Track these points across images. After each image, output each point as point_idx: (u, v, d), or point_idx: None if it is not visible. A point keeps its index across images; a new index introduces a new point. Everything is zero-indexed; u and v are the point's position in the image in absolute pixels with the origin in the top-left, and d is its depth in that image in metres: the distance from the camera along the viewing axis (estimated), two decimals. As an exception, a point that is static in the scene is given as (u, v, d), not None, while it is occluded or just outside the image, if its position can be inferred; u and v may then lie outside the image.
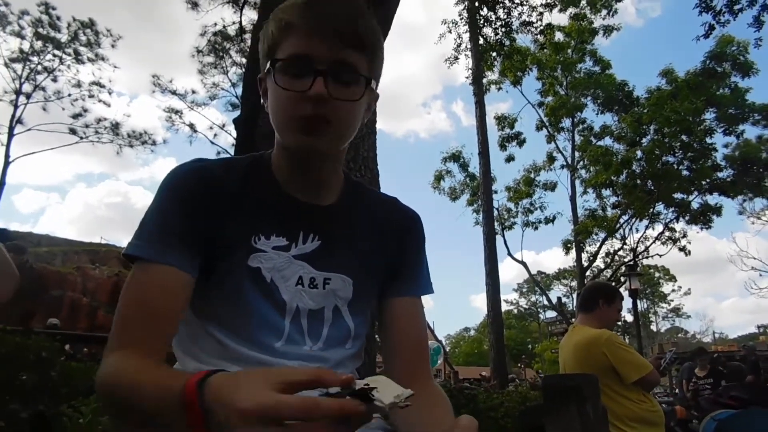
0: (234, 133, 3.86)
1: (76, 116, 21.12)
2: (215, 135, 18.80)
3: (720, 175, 20.32)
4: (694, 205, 20.62)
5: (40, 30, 20.59)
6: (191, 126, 18.99)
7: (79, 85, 21.34)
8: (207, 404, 0.61)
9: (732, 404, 5.60)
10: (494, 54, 13.83)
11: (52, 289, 18.11)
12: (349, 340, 1.01)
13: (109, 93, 22.18)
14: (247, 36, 9.00)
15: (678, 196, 20.49)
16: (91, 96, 21.45)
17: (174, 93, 19.29)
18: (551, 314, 47.78)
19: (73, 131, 21.10)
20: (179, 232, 0.89)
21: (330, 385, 0.60)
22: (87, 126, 21.16)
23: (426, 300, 1.13)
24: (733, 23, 8.31)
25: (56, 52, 21.04)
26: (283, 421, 0.56)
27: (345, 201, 1.04)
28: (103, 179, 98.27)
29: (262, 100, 0.99)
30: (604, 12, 21.35)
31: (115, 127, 20.96)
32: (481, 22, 11.29)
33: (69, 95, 21.19)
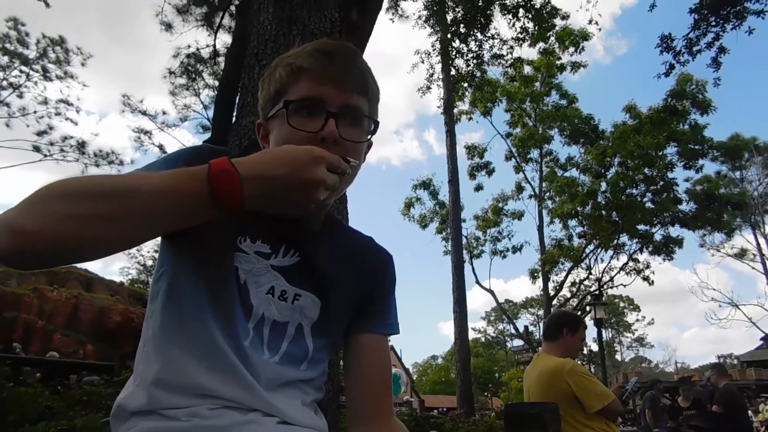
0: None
1: (41, 133, 20.66)
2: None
3: (682, 208, 20.98)
4: (657, 236, 21.18)
5: (8, 45, 20.22)
6: (160, 147, 18.79)
7: (45, 102, 20.94)
8: (243, 172, 0.74)
9: (691, 433, 5.72)
10: (465, 85, 14.09)
11: (5, 311, 17.42)
12: (305, 361, 1.00)
13: (77, 111, 21.82)
14: (221, 59, 9.01)
15: (641, 227, 21.02)
16: (57, 114, 21.05)
17: (144, 113, 19.12)
18: (518, 343, 47.93)
19: (36, 149, 20.60)
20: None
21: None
22: (52, 144, 20.69)
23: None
24: (692, 63, 8.68)
25: (23, 68, 20.65)
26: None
27: (326, 230, 1.07)
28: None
29: (262, 146, 1.02)
30: (572, 49, 22.08)
31: (81, 145, 20.55)
32: (453, 53, 11.51)
33: (35, 112, 20.75)
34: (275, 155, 0.78)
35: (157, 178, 0.75)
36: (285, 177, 0.75)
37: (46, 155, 20.77)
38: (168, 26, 10.15)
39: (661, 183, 19.84)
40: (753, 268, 30.13)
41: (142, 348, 0.95)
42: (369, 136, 1.00)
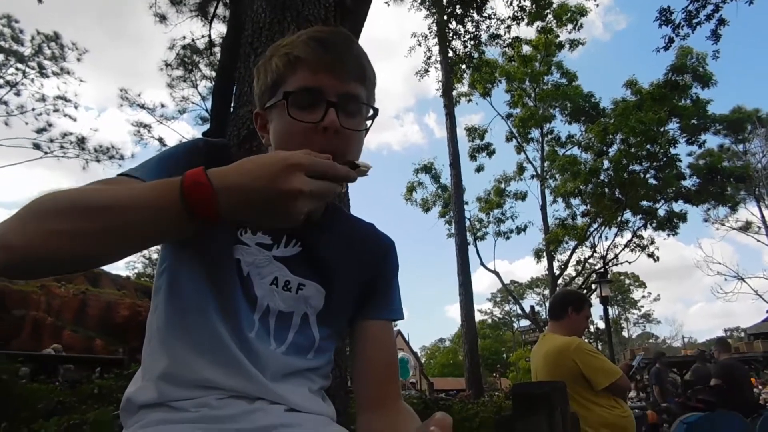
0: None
1: (40, 131, 20.62)
2: (185, 149, 18.52)
3: (685, 183, 20.91)
4: (661, 212, 21.14)
5: (2, 43, 20.13)
6: (160, 140, 18.75)
7: (43, 99, 20.88)
8: (216, 183, 0.69)
9: (700, 407, 5.73)
10: (463, 66, 14.01)
11: (13, 309, 17.54)
12: (311, 350, 1.01)
13: (75, 107, 21.74)
14: (217, 50, 8.95)
15: (645, 203, 20.98)
16: (56, 110, 20.99)
17: (142, 107, 19.06)
18: (525, 323, 48.16)
19: (36, 146, 20.59)
20: (176, 170, 0.88)
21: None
22: (51, 141, 20.68)
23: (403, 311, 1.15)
24: (691, 36, 8.59)
25: (19, 65, 20.56)
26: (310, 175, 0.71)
27: (328, 219, 1.07)
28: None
29: (261, 138, 1.02)
30: (570, 26, 21.89)
31: (81, 141, 20.53)
32: (450, 35, 11.42)
33: (33, 109, 20.70)
34: (251, 164, 0.72)
35: (136, 191, 0.73)
36: (259, 188, 0.70)
37: (46, 152, 20.77)
38: (162, 18, 10.09)
39: (664, 159, 19.75)
40: (758, 240, 30.10)
41: (149, 342, 0.96)
42: (369, 123, 0.99)
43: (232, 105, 3.13)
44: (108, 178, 0.87)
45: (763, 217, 29.53)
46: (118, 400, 0.96)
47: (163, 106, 18.93)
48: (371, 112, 0.99)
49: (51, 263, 0.72)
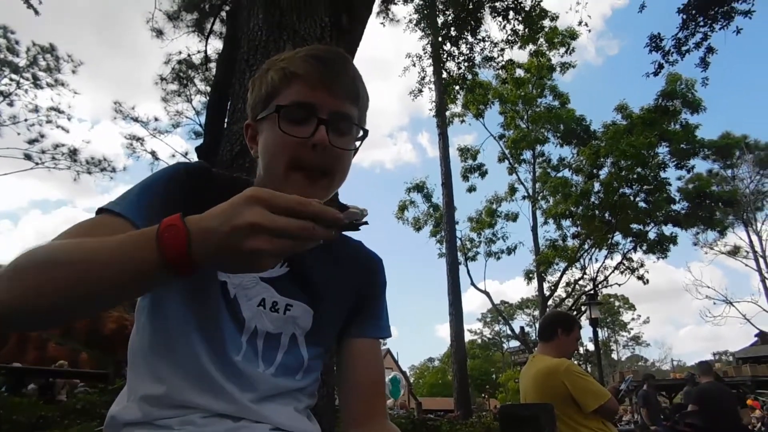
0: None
1: (32, 141, 20.53)
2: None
3: (674, 207, 21.07)
4: (651, 235, 21.25)
5: (-3, 54, 20.09)
6: (153, 153, 18.70)
7: (36, 110, 20.82)
8: (192, 227, 0.65)
9: (687, 431, 5.72)
10: (457, 87, 14.14)
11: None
12: (300, 371, 1.01)
13: (68, 119, 21.69)
14: (212, 65, 9.00)
15: (635, 226, 21.09)
16: (49, 121, 20.92)
17: (136, 120, 19.03)
18: (515, 344, 48.02)
19: (28, 157, 20.48)
20: (157, 203, 0.89)
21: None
22: (43, 152, 20.57)
23: (391, 330, 1.15)
24: (681, 63, 8.74)
25: (13, 76, 20.52)
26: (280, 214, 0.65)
27: None
28: (59, 206, 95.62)
29: (250, 148, 1.02)
30: (562, 50, 22.20)
31: (73, 153, 20.43)
32: (445, 56, 11.54)
33: (25, 120, 20.62)
34: (221, 205, 0.67)
35: (114, 242, 0.70)
36: (218, 227, 0.65)
37: (37, 163, 20.64)
38: (159, 32, 10.13)
39: (654, 183, 19.92)
40: (746, 265, 30.35)
41: (133, 362, 0.96)
42: (358, 144, 1.00)
43: (226, 121, 3.14)
44: (89, 220, 0.85)
45: (750, 241, 29.82)
46: (102, 416, 0.95)
47: (156, 119, 18.92)
48: (361, 132, 1.00)
49: (37, 319, 0.71)
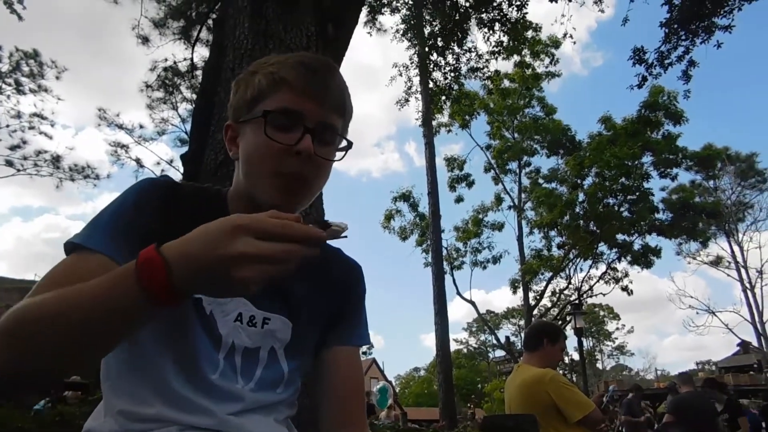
0: (182, 169, 3.82)
1: (13, 148, 20.26)
2: (162, 171, 18.41)
3: (658, 216, 21.33)
4: (636, 246, 21.45)
5: (-21, 60, 19.84)
6: (137, 161, 18.57)
7: (18, 116, 20.57)
8: (169, 256, 0.64)
9: (669, 442, 5.75)
10: (443, 97, 14.22)
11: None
12: (281, 384, 0.99)
13: (52, 125, 21.42)
14: (198, 73, 8.96)
15: (620, 237, 21.30)
16: (31, 127, 20.67)
17: (120, 127, 18.89)
18: (500, 353, 48.11)
19: (9, 163, 20.20)
20: (128, 229, 0.87)
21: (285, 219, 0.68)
22: (25, 158, 20.31)
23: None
24: (664, 75, 8.88)
25: (-5, 81, 20.26)
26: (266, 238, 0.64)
27: None
28: (41, 213, 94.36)
29: (229, 150, 1.01)
30: (546, 60, 22.46)
31: (56, 160, 20.20)
32: (431, 66, 11.62)
33: (7, 126, 20.36)
34: (199, 230, 0.67)
35: (95, 288, 0.68)
36: (201, 255, 0.64)
37: (19, 170, 20.37)
38: (145, 40, 10.09)
39: (637, 193, 20.16)
40: (728, 275, 30.71)
41: (107, 377, 0.94)
42: (343, 154, 1.00)
43: (212, 129, 3.13)
44: (63, 264, 0.83)
45: (732, 252, 30.21)
46: (81, 427, 0.93)
47: (141, 126, 18.78)
48: (344, 143, 1.00)
49: (26, 380, 0.70)
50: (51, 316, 0.67)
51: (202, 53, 8.73)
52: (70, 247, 0.85)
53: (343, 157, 1.00)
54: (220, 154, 2.77)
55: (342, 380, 1.05)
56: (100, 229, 0.87)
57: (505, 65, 22.90)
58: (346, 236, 0.74)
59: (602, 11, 9.49)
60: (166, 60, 11.55)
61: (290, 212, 0.91)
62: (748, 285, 29.14)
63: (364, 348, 1.15)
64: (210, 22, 7.46)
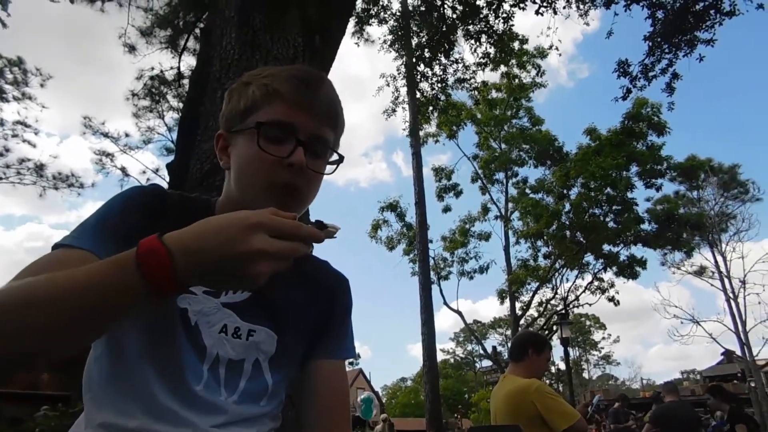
0: (168, 178, 3.80)
1: (-4, 156, 20.00)
2: (148, 179, 18.26)
3: (643, 227, 21.51)
4: (621, 257, 21.60)
5: (-39, 67, 19.61)
6: (123, 170, 18.42)
7: (1, 123, 20.33)
8: (174, 248, 0.65)
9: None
10: (430, 108, 14.29)
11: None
12: (265, 397, 0.99)
13: (35, 133, 21.21)
14: (185, 81, 8.93)
15: (606, 247, 21.44)
16: (14, 135, 20.44)
17: (106, 135, 18.74)
18: (487, 363, 48.12)
19: (-8, 171, 19.93)
20: (116, 232, 0.87)
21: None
22: (8, 166, 20.06)
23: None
24: (648, 88, 9.00)
25: (-23, 89, 20.02)
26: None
27: None
28: (24, 222, 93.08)
29: (219, 159, 1.01)
30: (533, 72, 22.69)
31: (40, 168, 19.97)
32: (418, 77, 11.68)
33: (-10, 134, 20.10)
34: (209, 225, 0.68)
35: (89, 273, 0.67)
36: (216, 249, 0.65)
37: (1, 178, 20.11)
38: (132, 48, 10.03)
39: (622, 204, 20.33)
40: (712, 284, 30.95)
41: (89, 390, 0.93)
42: (334, 168, 1.01)
43: (198, 139, 3.12)
44: (47, 255, 0.82)
45: (716, 262, 30.48)
46: (62, 440, 0.92)
47: (127, 135, 18.65)
48: (335, 157, 1.00)
49: (13, 363, 0.68)
50: (41, 299, 0.65)
51: (189, 62, 8.69)
52: (55, 248, 0.85)
53: (335, 170, 1.01)
54: (206, 164, 2.76)
55: (327, 393, 1.05)
56: (86, 231, 0.87)
57: (493, 76, 23.09)
58: (335, 236, 0.78)
59: (587, 24, 9.61)
60: (152, 69, 11.47)
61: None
62: (731, 294, 29.37)
63: (356, 357, 1.15)
64: (197, 31, 7.45)
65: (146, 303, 0.67)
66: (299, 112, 0.92)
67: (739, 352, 30.52)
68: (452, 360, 57.72)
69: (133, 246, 0.68)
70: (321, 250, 1.16)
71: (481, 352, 41.50)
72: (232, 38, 3.02)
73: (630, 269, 21.28)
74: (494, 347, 29.96)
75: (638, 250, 21.64)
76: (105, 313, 0.66)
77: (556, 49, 11.22)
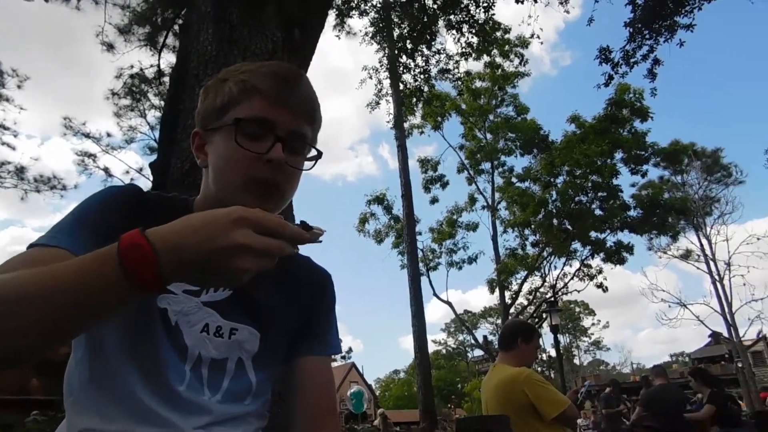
0: (152, 178, 3.75)
1: (-27, 160, 19.67)
2: (132, 179, 18.08)
3: (629, 213, 21.68)
4: (609, 243, 21.77)
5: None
6: (106, 170, 18.21)
7: (-23, 127, 19.99)
8: (157, 243, 0.63)
9: (644, 433, 5.84)
10: (414, 99, 14.28)
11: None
12: (249, 396, 0.98)
13: (14, 135, 20.89)
14: (166, 79, 8.83)
15: (593, 234, 21.60)
16: (-8, 138, 20.11)
17: (87, 136, 18.50)
18: (479, 353, 48.46)
19: (-29, 176, 19.61)
20: (95, 229, 0.85)
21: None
22: (-13, 170, 19.74)
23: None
24: (630, 74, 9.06)
25: (-48, 92, 19.67)
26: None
27: None
28: (6, 226, 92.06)
29: (196, 158, 1.00)
30: (516, 61, 22.74)
31: (20, 171, 19.69)
32: (401, 69, 11.66)
33: (-33, 139, 19.76)
34: (193, 220, 0.66)
35: (70, 268, 0.65)
36: (200, 243, 0.63)
37: (-19, 182, 19.80)
38: (110, 47, 9.88)
39: (608, 190, 20.47)
40: (698, 267, 31.34)
41: (70, 395, 0.91)
42: (313, 164, 1.00)
43: (178, 137, 3.08)
44: (22, 254, 0.79)
45: (701, 245, 30.86)
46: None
47: (109, 135, 18.42)
48: (313, 152, 1.00)
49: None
50: (18, 296, 0.62)
51: (169, 59, 8.59)
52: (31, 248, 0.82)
53: (313, 166, 1.00)
54: (186, 163, 2.72)
55: (313, 390, 1.04)
56: (63, 230, 0.84)
57: (476, 65, 23.07)
58: (321, 241, 0.76)
59: (567, 12, 9.61)
60: (132, 67, 11.32)
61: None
62: (717, 277, 29.79)
63: (342, 353, 1.15)
64: (176, 28, 7.36)
65: (129, 299, 0.65)
66: (277, 108, 0.92)
67: (726, 334, 30.96)
68: (444, 351, 58.05)
69: (106, 241, 0.65)
70: (308, 246, 1.15)
71: (473, 342, 41.77)
72: (209, 34, 2.97)
73: (617, 255, 21.47)
74: (485, 337, 30.17)
75: (625, 236, 21.86)
76: (83, 311, 0.64)
77: (538, 37, 11.23)
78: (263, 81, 0.92)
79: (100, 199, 0.91)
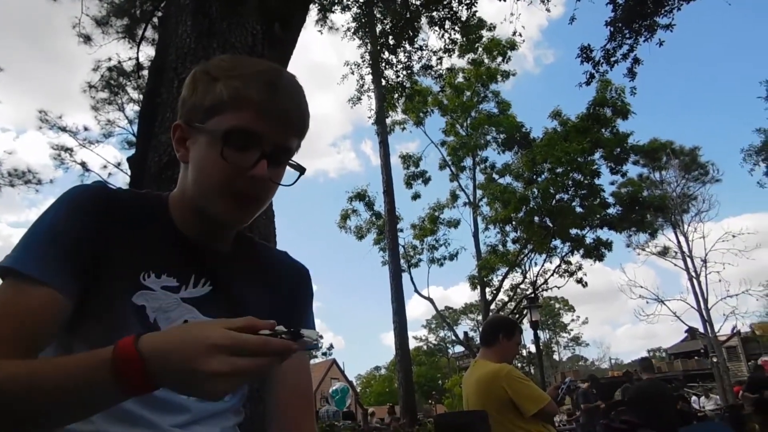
0: (130, 172, 3.69)
1: (-53, 154, 19.22)
2: (110, 174, 17.81)
3: (609, 211, 21.93)
4: (588, 239, 22.00)
5: None
6: (83, 164, 17.91)
7: (-49, 120, 19.51)
8: (148, 356, 0.66)
9: (623, 428, 5.91)
10: (396, 95, 14.25)
11: None
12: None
13: (-11, 129, 20.48)
14: (145, 72, 8.70)
15: (573, 231, 21.81)
16: (-34, 132, 19.66)
17: (64, 129, 18.18)
18: (459, 349, 48.73)
19: (-57, 170, 19.16)
20: (68, 250, 0.84)
21: (260, 328, 0.70)
22: (-41, 165, 19.30)
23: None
24: (610, 73, 9.15)
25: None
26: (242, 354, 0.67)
27: (238, 251, 1.04)
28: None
29: (176, 151, 0.97)
30: (500, 59, 22.82)
31: (-6, 164, 19.28)
32: (383, 64, 11.63)
33: (-60, 132, 19.28)
34: (176, 337, 0.69)
35: (67, 370, 0.70)
36: (179, 365, 0.66)
37: (-48, 177, 19.36)
38: (87, 38, 9.70)
39: (588, 188, 20.66)
40: (675, 264, 31.86)
41: None
42: (294, 180, 0.98)
43: (155, 130, 3.02)
44: (8, 295, 0.81)
45: (678, 242, 31.38)
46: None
47: (87, 129, 18.12)
48: (297, 165, 0.98)
49: None
50: (19, 395, 0.69)
51: (148, 52, 8.46)
52: (4, 272, 0.82)
53: (295, 182, 0.98)
54: (164, 156, 2.67)
55: (289, 387, 1.04)
56: (33, 251, 0.83)
57: (460, 62, 23.11)
58: (317, 347, 0.75)
59: (548, 10, 9.66)
60: (110, 59, 11.12)
61: (240, 225, 0.95)
62: (693, 273, 30.32)
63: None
64: (155, 20, 7.24)
65: (120, 399, 0.71)
66: (267, 121, 0.88)
67: (701, 329, 31.53)
68: (425, 347, 58.28)
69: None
70: (285, 243, 1.13)
71: (454, 338, 41.96)
72: (187, 26, 2.92)
73: (596, 251, 21.70)
74: (466, 333, 30.26)
75: (604, 233, 22.10)
76: (80, 409, 0.73)
77: (520, 35, 11.31)
78: (257, 92, 0.88)
79: (67, 206, 0.88)
